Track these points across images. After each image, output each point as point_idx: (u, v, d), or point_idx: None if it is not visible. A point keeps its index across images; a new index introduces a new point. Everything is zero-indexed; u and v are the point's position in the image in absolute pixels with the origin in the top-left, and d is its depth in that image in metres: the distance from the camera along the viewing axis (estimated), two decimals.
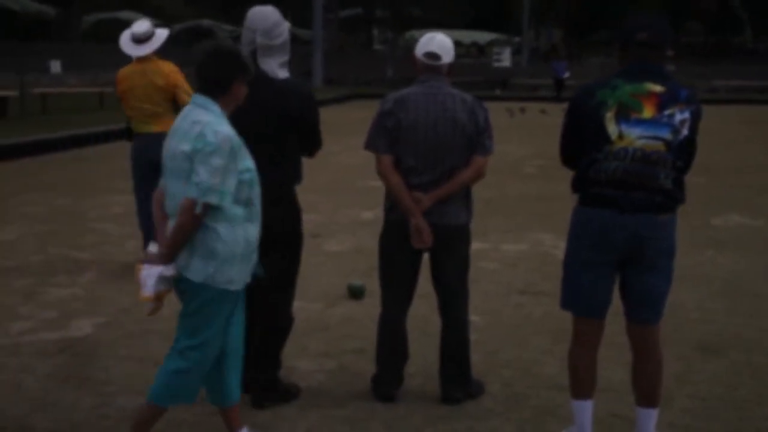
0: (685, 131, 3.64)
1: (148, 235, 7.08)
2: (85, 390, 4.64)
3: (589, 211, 3.73)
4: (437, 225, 4.32)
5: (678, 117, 3.62)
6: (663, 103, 3.61)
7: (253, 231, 3.66)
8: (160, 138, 7.02)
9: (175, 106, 7.03)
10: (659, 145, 3.61)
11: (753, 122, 22.67)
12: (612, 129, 3.62)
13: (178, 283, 3.60)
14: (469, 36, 57.64)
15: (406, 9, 53.29)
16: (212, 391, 3.85)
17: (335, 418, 4.32)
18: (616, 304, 3.85)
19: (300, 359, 5.07)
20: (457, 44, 49.83)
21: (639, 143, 3.60)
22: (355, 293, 6.37)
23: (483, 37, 58.77)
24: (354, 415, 4.36)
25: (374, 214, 7.91)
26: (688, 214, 7.37)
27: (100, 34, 40.80)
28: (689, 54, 48.17)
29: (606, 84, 3.70)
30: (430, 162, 4.29)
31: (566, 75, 30.63)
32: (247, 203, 3.62)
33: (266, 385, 4.39)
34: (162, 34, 7.08)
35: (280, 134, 4.24)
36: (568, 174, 3.89)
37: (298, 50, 36.03)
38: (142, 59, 7.02)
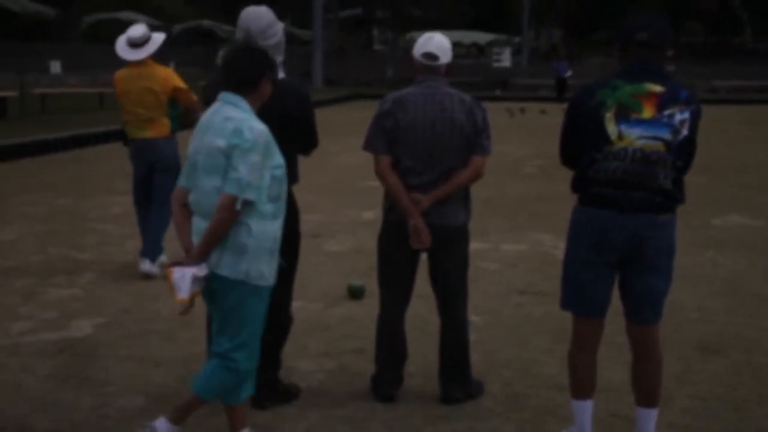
0: (684, 131, 3.64)
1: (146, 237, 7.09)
2: (85, 390, 4.64)
3: (588, 210, 3.73)
4: (436, 225, 4.32)
5: (678, 117, 3.62)
6: (663, 103, 3.61)
7: (278, 227, 3.69)
8: (153, 143, 7.09)
9: (176, 109, 7.01)
10: (659, 146, 3.61)
11: (753, 122, 22.67)
12: (612, 129, 3.62)
13: (211, 282, 3.59)
14: (469, 36, 57.69)
15: (406, 9, 53.23)
16: None
17: (335, 418, 4.33)
18: (616, 304, 3.85)
19: (300, 359, 5.07)
20: (457, 45, 49.93)
21: (639, 143, 3.60)
22: (355, 293, 6.37)
23: (483, 37, 58.80)
24: (354, 415, 4.36)
25: (374, 214, 7.90)
26: (688, 214, 7.37)
27: (100, 35, 40.72)
28: (689, 54, 48.12)
29: (606, 84, 3.70)
30: (429, 162, 4.29)
31: (568, 74, 30.63)
32: (276, 199, 3.64)
33: (266, 385, 4.38)
34: (158, 38, 6.97)
35: (279, 134, 4.22)
36: (568, 174, 3.89)
37: (298, 50, 36.10)
38: (138, 63, 6.92)
